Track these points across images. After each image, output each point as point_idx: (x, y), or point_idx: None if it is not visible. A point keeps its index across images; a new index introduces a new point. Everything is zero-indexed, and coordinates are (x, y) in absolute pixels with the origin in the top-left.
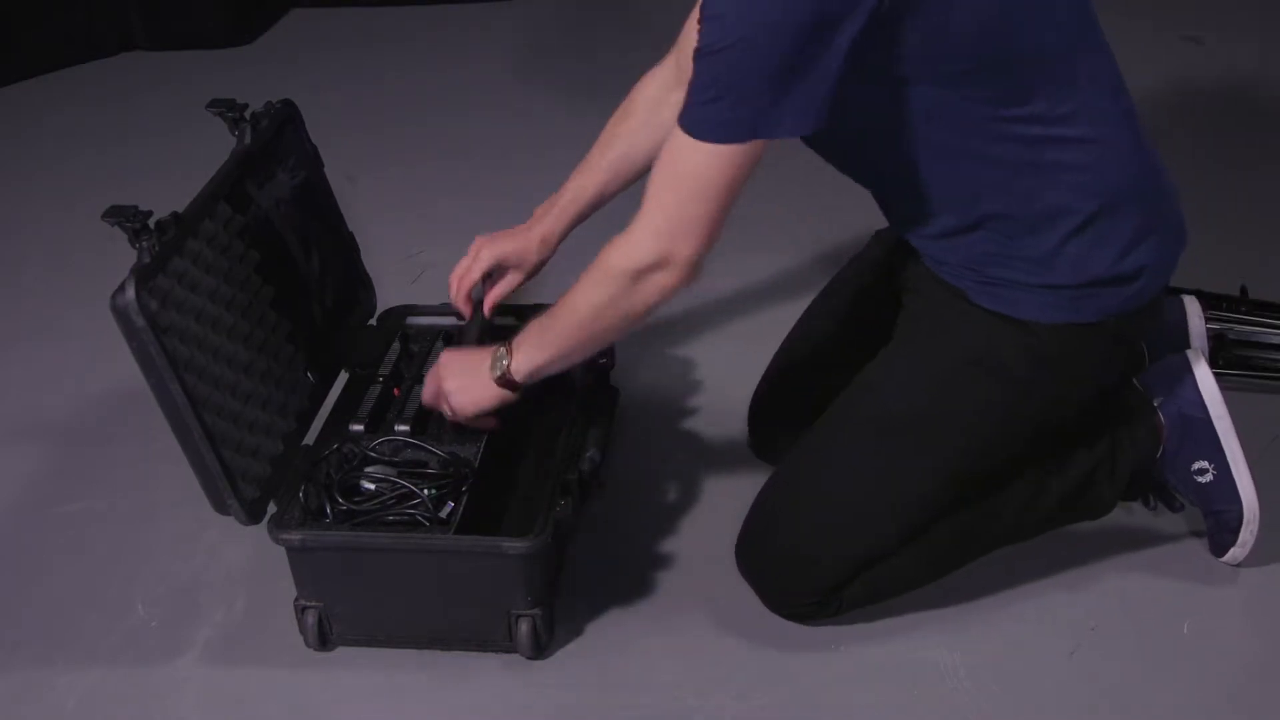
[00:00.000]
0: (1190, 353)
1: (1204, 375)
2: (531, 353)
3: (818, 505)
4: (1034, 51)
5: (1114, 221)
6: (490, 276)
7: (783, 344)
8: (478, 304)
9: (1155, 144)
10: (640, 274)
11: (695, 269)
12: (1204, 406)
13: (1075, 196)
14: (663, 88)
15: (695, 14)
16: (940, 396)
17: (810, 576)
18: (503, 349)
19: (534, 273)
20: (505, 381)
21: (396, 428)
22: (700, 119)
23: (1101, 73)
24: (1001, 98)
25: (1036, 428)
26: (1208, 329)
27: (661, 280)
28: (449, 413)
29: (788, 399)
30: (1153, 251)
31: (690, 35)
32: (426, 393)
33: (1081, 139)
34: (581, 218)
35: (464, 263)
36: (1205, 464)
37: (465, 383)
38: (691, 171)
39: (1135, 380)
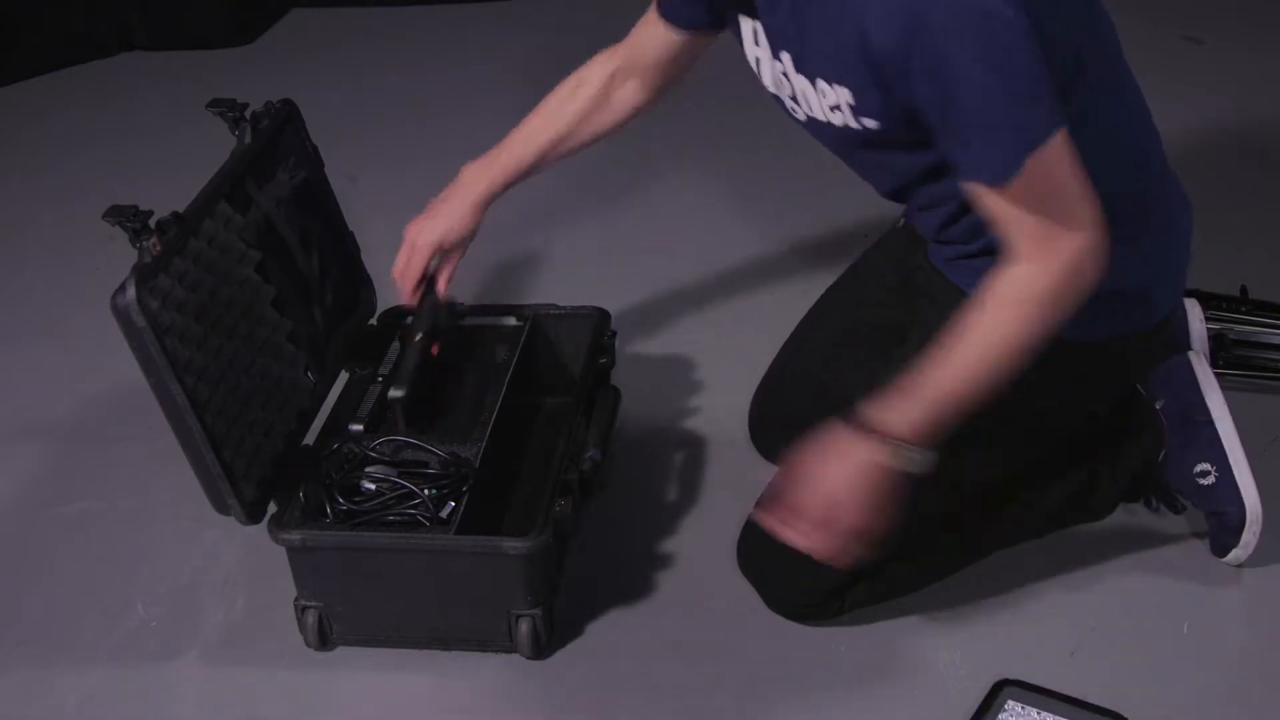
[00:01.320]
0: (1192, 355)
1: (1206, 378)
2: (935, 422)
3: None
4: (1097, 61)
5: (1143, 233)
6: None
7: (786, 343)
8: (428, 284)
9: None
10: (1067, 284)
11: (1102, 244)
12: (1206, 409)
13: (1110, 209)
14: (610, 69)
15: (650, 13)
16: None
17: (813, 579)
18: (892, 444)
19: (465, 247)
20: (911, 468)
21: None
22: (1000, 162)
23: (1134, 90)
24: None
25: (1048, 439)
26: (1208, 329)
27: (1091, 274)
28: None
29: (789, 399)
30: (1166, 265)
31: (642, 34)
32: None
33: (1118, 149)
34: (512, 183)
35: (402, 257)
36: (1207, 466)
37: (852, 493)
38: (1034, 195)
39: (1137, 384)
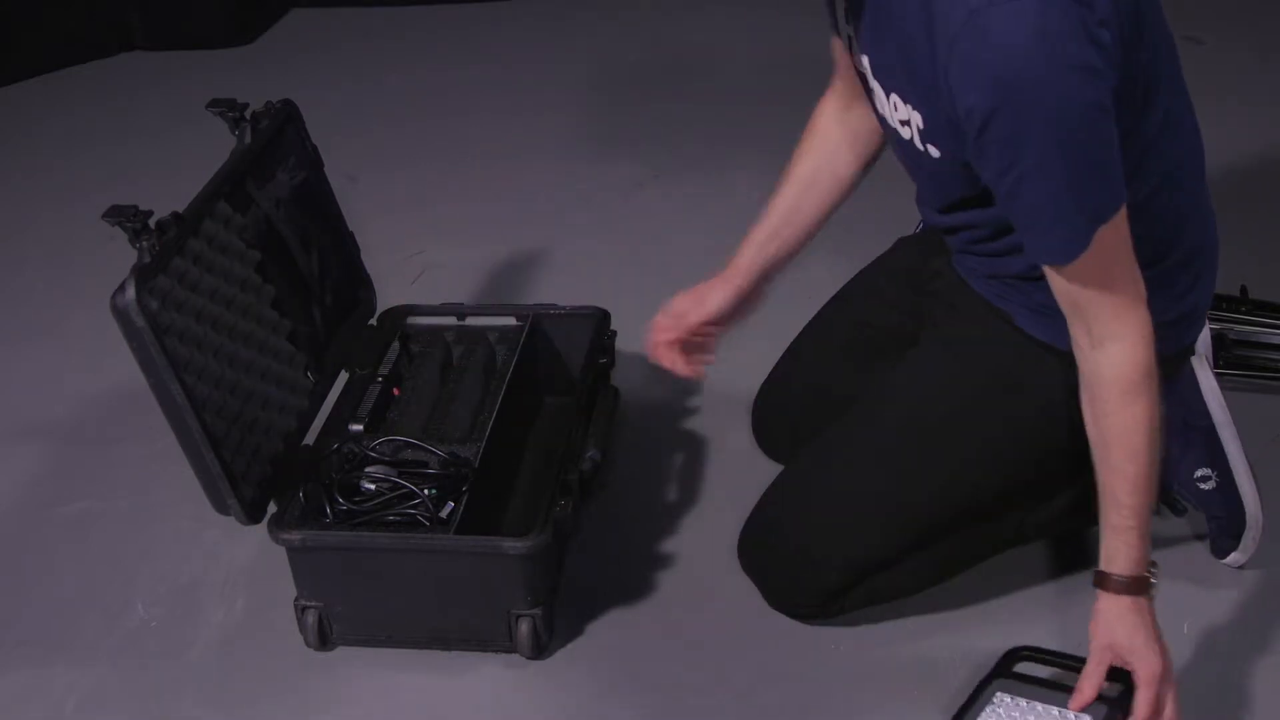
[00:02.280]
0: (1194, 359)
1: (1209, 384)
2: (1146, 532)
3: (830, 506)
4: (1168, 93)
5: (1182, 268)
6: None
7: (791, 344)
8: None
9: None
10: (1152, 344)
11: (1147, 323)
12: (1207, 413)
13: (1160, 243)
14: (838, 108)
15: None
16: (971, 411)
17: (817, 578)
18: (1140, 587)
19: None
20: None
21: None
22: (1069, 239)
23: (1187, 115)
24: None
25: (1060, 453)
26: (1209, 329)
27: (1154, 339)
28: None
29: (793, 400)
30: (1201, 295)
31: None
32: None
33: (1176, 185)
34: (783, 255)
35: (671, 329)
36: (1208, 471)
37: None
38: (1103, 271)
39: None
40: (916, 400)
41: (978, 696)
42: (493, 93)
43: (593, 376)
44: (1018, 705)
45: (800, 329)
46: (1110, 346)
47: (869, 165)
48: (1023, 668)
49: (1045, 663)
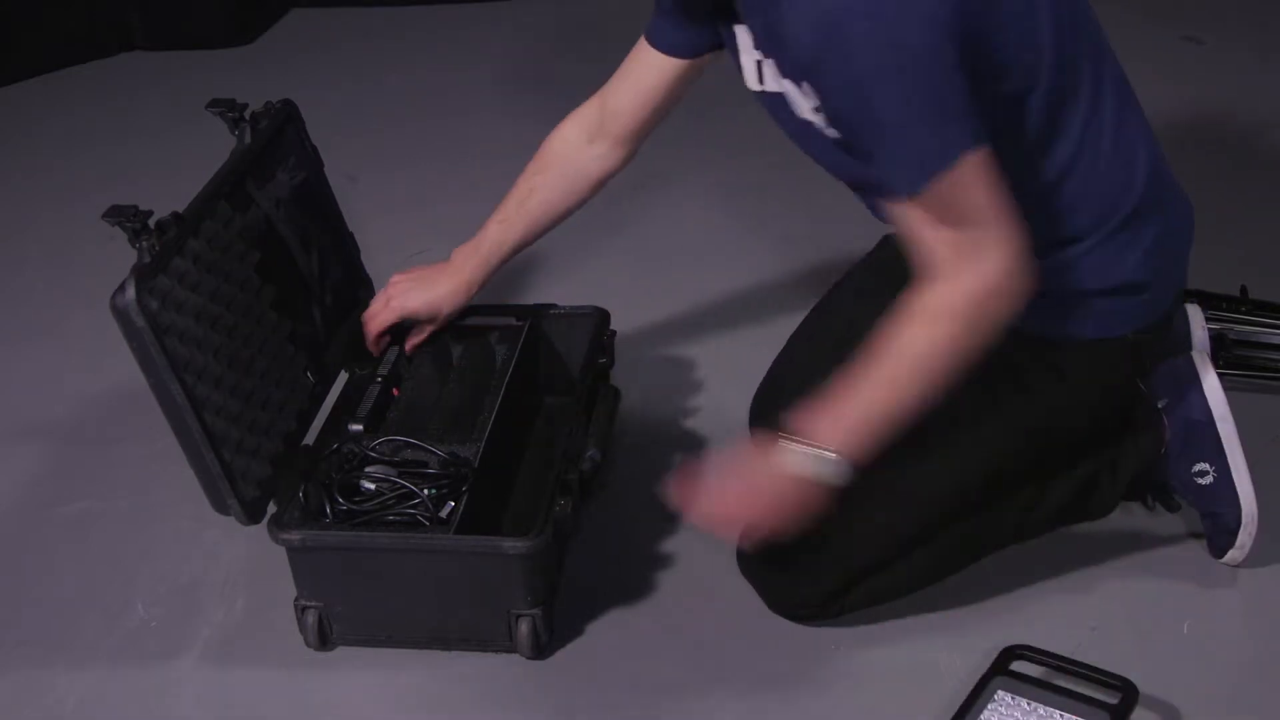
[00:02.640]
0: (1196, 355)
1: (1210, 380)
2: (856, 438)
3: (826, 509)
4: (1064, 68)
5: (1137, 228)
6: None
7: (787, 342)
8: (393, 337)
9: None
10: (982, 301)
11: (1020, 270)
12: (1208, 409)
13: (1100, 206)
14: (582, 134)
15: (642, 53)
16: (957, 406)
17: (815, 581)
18: (803, 451)
19: (445, 323)
20: (831, 477)
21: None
22: (908, 179)
23: (1114, 77)
24: (1033, 124)
25: (1051, 440)
26: (1208, 329)
27: (1010, 296)
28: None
29: (789, 400)
30: (1169, 256)
31: (619, 86)
32: (712, 507)
33: (1105, 150)
34: (499, 267)
35: (376, 304)
36: (1206, 466)
37: (768, 498)
38: (944, 214)
39: (1140, 383)
40: None
41: (978, 695)
42: (493, 93)
43: (593, 376)
44: (1019, 704)
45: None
46: (935, 284)
47: (574, 207)
48: (1019, 666)
49: (1039, 662)
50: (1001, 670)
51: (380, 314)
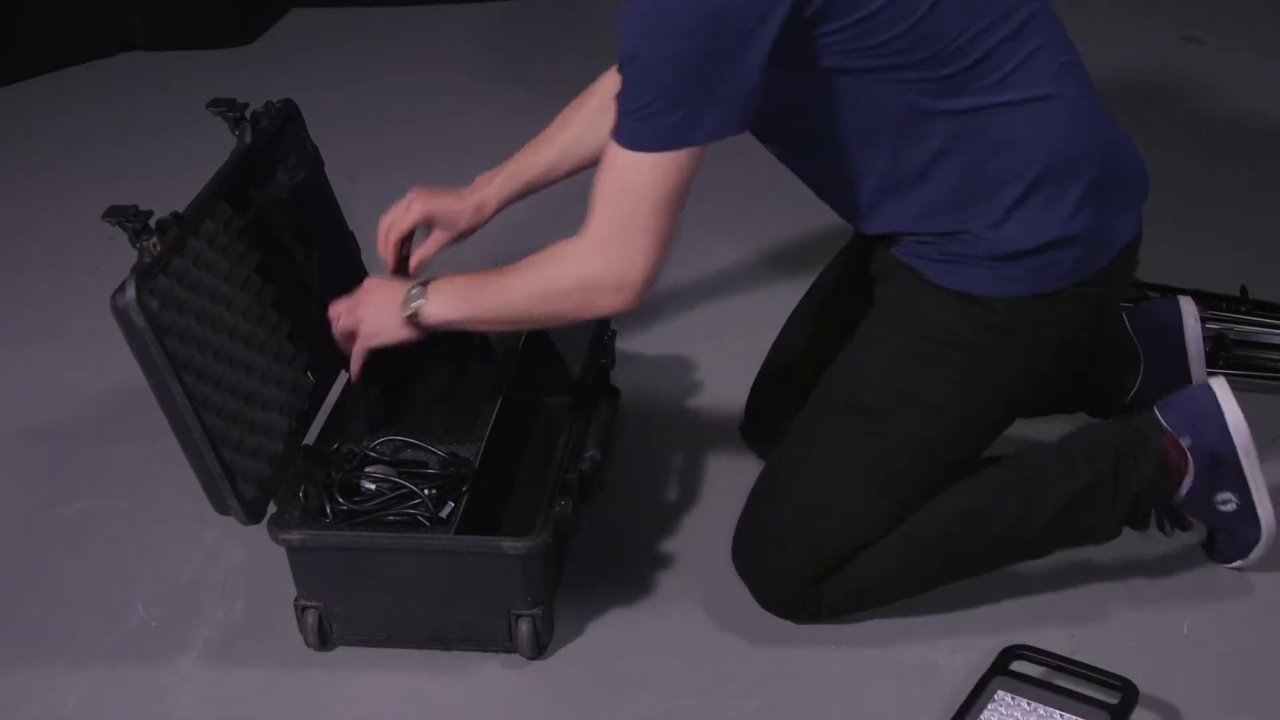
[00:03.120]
0: (1216, 384)
1: (1233, 412)
2: (449, 305)
3: (798, 491)
4: (965, 35)
5: (1061, 182)
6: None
7: (775, 342)
8: (403, 259)
9: (1099, 93)
10: (588, 288)
11: (643, 290)
12: (1232, 444)
13: (1017, 163)
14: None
15: None
16: (904, 375)
17: (785, 567)
18: (418, 288)
19: (462, 236)
20: (412, 321)
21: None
22: (630, 131)
23: (1039, 30)
24: (930, 83)
25: (1005, 401)
26: (1208, 329)
27: (608, 300)
28: (354, 335)
29: (781, 396)
30: (1107, 207)
31: None
32: (337, 309)
33: (1017, 102)
34: (524, 193)
35: (394, 211)
36: (1230, 495)
37: (377, 311)
38: (632, 184)
39: (1154, 409)
40: (858, 375)
41: (978, 695)
42: (493, 93)
43: (593, 376)
44: (1019, 704)
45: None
46: (583, 242)
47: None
48: (1019, 666)
49: (1039, 662)
50: (1001, 670)
51: (402, 218)
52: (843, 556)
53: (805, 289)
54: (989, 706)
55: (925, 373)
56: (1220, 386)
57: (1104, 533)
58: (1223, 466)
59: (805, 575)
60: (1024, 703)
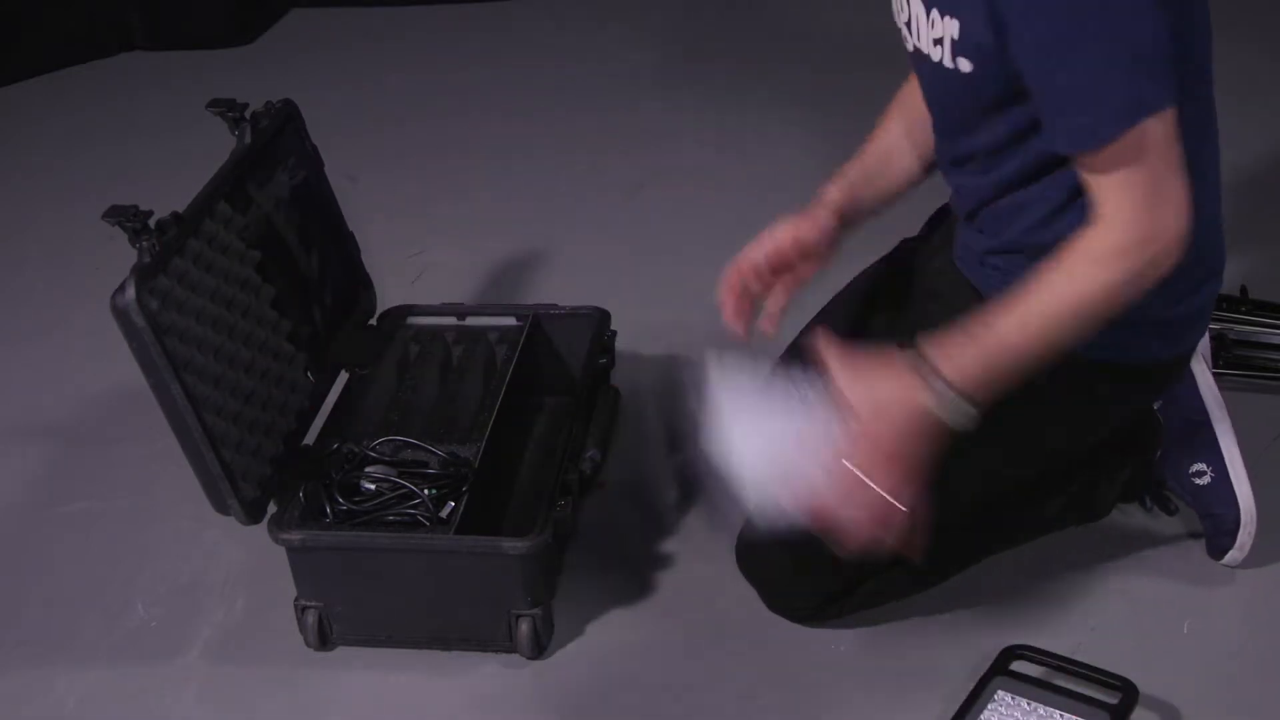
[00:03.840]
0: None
1: (1205, 378)
2: (989, 383)
3: None
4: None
5: (1193, 265)
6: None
7: (788, 347)
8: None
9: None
10: (1145, 261)
11: (1189, 227)
12: (1204, 410)
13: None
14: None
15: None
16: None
17: (815, 582)
18: (930, 393)
19: (817, 262)
20: (957, 415)
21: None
22: (1096, 126)
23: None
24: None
25: (1059, 453)
26: (1209, 329)
27: (1166, 263)
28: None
29: None
30: (1206, 299)
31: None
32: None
33: (1201, 179)
34: (868, 197)
35: (730, 275)
36: (1203, 466)
37: (891, 454)
38: (1129, 169)
39: None
40: None
41: (978, 695)
42: (493, 93)
43: (593, 376)
44: (1019, 705)
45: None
46: (1103, 223)
47: (925, 169)
48: (1019, 666)
49: (1039, 662)
50: (1001, 670)
51: (731, 279)
52: (867, 573)
53: (808, 291)
54: (989, 707)
55: (990, 416)
56: (1193, 356)
57: (1100, 512)
58: (1193, 430)
59: (833, 591)
60: (1024, 703)
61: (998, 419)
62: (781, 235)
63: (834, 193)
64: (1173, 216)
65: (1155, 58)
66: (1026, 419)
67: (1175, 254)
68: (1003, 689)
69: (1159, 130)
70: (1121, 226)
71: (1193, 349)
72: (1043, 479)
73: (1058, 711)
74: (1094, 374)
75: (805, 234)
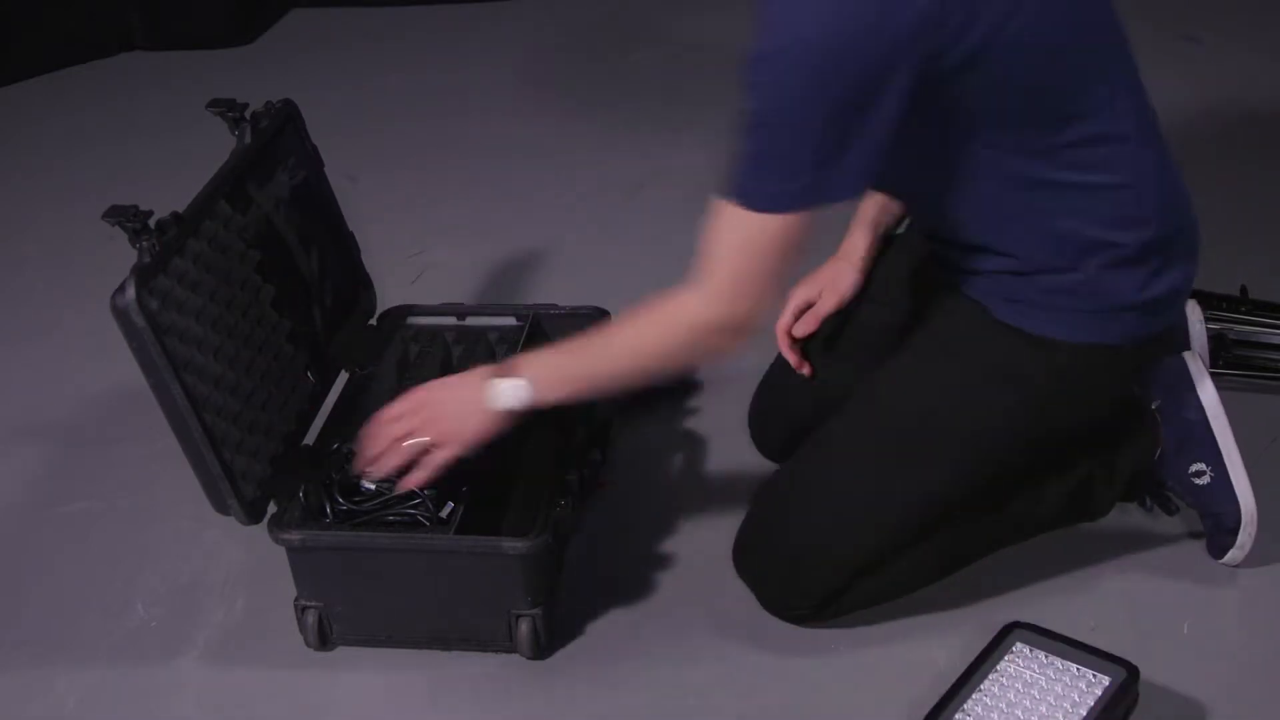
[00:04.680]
0: (1188, 355)
1: (1202, 378)
2: (552, 387)
3: (822, 510)
4: (1075, 90)
5: (1142, 252)
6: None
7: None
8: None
9: (1175, 156)
10: (708, 333)
11: (750, 331)
12: (1202, 409)
13: (1106, 230)
14: None
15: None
16: (957, 405)
17: (810, 581)
18: (507, 380)
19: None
20: (504, 413)
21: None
22: (750, 191)
23: (1128, 91)
24: (1038, 146)
25: (1047, 440)
26: (1208, 329)
27: (720, 341)
28: (414, 443)
29: (787, 398)
30: (1177, 277)
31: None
32: (393, 417)
33: (1113, 172)
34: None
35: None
36: (1203, 466)
37: (457, 410)
38: (746, 240)
39: (1135, 385)
40: (902, 396)
41: (996, 645)
42: (493, 93)
43: None
44: (1037, 656)
45: None
46: (698, 295)
47: None
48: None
49: (1041, 642)
50: (999, 647)
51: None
52: (863, 572)
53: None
54: (1006, 657)
55: (977, 405)
56: (1190, 356)
57: (1099, 511)
58: (1192, 430)
59: (829, 589)
60: (1041, 655)
61: (999, 407)
62: (822, 308)
63: (860, 246)
64: (747, 312)
65: (797, 164)
66: (1010, 411)
67: (744, 334)
68: (1021, 640)
69: (774, 231)
70: (710, 301)
71: (1171, 326)
72: (1034, 470)
73: (1074, 665)
74: (1075, 357)
75: (844, 296)
